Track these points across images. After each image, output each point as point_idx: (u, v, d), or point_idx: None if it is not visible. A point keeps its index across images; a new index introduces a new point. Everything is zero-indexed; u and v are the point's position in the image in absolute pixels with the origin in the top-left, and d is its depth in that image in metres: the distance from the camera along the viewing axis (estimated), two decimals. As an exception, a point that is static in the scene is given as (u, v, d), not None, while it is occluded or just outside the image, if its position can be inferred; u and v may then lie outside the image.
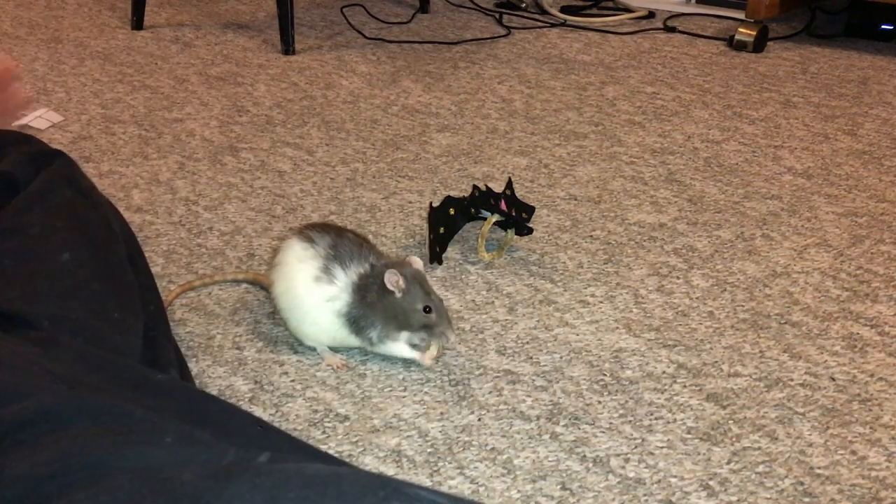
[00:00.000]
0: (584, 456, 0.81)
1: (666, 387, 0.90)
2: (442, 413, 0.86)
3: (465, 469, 0.79)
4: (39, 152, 0.81)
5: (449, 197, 1.14)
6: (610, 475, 0.78)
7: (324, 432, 0.83)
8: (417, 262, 0.94)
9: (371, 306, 0.91)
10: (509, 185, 1.18)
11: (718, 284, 1.09)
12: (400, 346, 0.93)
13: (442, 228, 1.12)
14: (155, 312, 0.78)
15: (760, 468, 0.80)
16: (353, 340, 0.93)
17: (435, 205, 1.12)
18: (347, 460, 0.79)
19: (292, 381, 0.91)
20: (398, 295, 0.90)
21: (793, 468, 0.80)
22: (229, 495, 0.45)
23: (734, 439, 0.83)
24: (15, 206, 0.73)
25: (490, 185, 1.15)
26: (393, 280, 0.89)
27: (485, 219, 1.14)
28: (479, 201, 1.14)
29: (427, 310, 0.90)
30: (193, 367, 0.91)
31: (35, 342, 0.63)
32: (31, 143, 0.83)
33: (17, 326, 0.66)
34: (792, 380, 0.92)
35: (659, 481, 0.78)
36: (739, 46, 2.08)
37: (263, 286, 1.04)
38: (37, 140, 0.85)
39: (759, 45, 2.06)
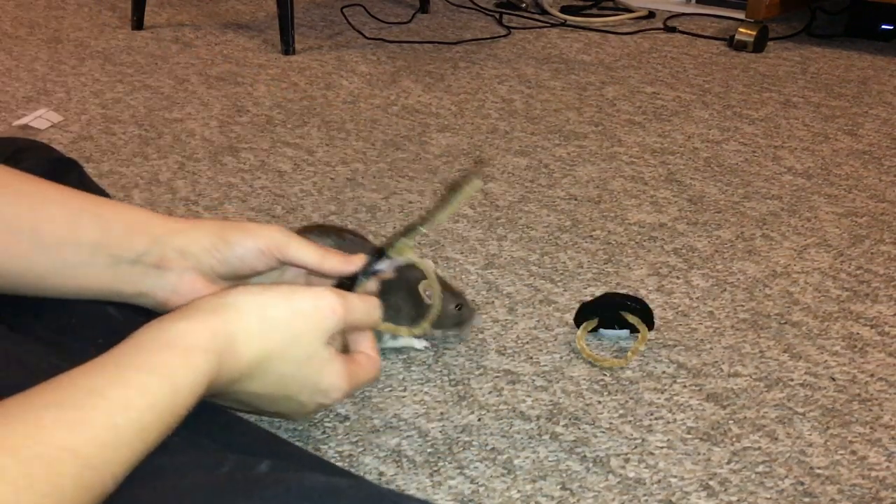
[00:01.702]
0: (584, 456, 0.81)
1: (666, 387, 0.90)
2: (442, 413, 0.86)
3: (465, 469, 0.79)
4: (56, 158, 0.82)
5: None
6: (610, 475, 0.78)
7: (324, 432, 0.83)
8: (429, 264, 0.90)
9: (394, 308, 0.89)
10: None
11: (718, 284, 1.09)
12: (413, 341, 0.95)
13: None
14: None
15: (760, 468, 0.80)
16: None
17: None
18: (347, 460, 0.79)
19: (292, 381, 0.91)
20: (428, 302, 0.89)
21: (793, 468, 0.80)
22: None
23: (734, 439, 0.83)
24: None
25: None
26: (429, 293, 0.88)
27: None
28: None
29: (458, 307, 0.92)
30: (193, 367, 0.91)
31: (45, 342, 0.64)
32: (46, 150, 0.84)
33: (35, 320, 0.66)
34: (792, 380, 0.92)
35: (659, 481, 0.78)
36: (739, 46, 2.08)
37: None
38: (49, 147, 0.86)
39: (759, 45, 2.07)
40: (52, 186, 0.64)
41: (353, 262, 0.68)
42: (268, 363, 0.56)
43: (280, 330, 0.56)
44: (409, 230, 0.72)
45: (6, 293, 0.63)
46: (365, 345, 0.66)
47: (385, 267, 0.70)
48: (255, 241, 0.66)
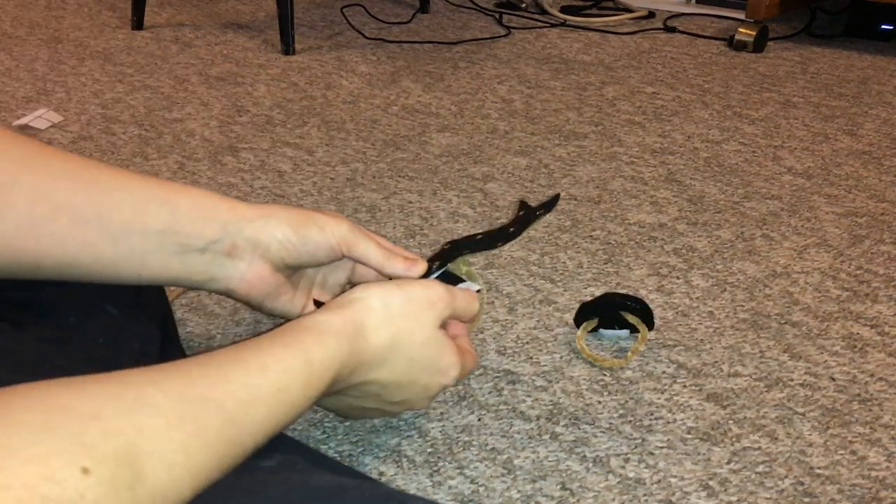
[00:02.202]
0: (584, 456, 0.81)
1: (666, 387, 0.90)
2: (442, 413, 0.86)
3: (465, 469, 0.79)
4: None
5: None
6: (610, 475, 0.78)
7: (324, 432, 0.83)
8: (483, 291, 0.79)
9: None
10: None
11: (718, 284, 1.09)
12: None
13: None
14: (165, 318, 0.79)
15: (760, 468, 0.80)
16: None
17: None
18: (348, 460, 0.80)
19: (292, 381, 0.91)
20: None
21: (793, 468, 0.80)
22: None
23: (734, 439, 0.83)
24: None
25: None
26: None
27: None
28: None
29: None
30: (193, 367, 0.91)
31: (49, 340, 0.64)
32: None
33: (36, 318, 0.66)
34: (792, 380, 0.92)
35: (659, 481, 0.78)
36: (739, 46, 2.08)
37: None
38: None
39: (759, 45, 2.07)
40: (118, 172, 0.64)
41: (415, 269, 0.71)
42: (396, 348, 0.63)
43: (402, 316, 0.63)
44: (469, 246, 0.75)
45: (79, 281, 0.64)
46: (463, 338, 0.72)
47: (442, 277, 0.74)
48: (327, 238, 0.69)
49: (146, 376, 0.46)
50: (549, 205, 0.78)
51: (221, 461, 0.46)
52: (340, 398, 0.66)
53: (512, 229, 0.77)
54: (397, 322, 0.62)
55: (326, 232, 0.68)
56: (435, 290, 0.66)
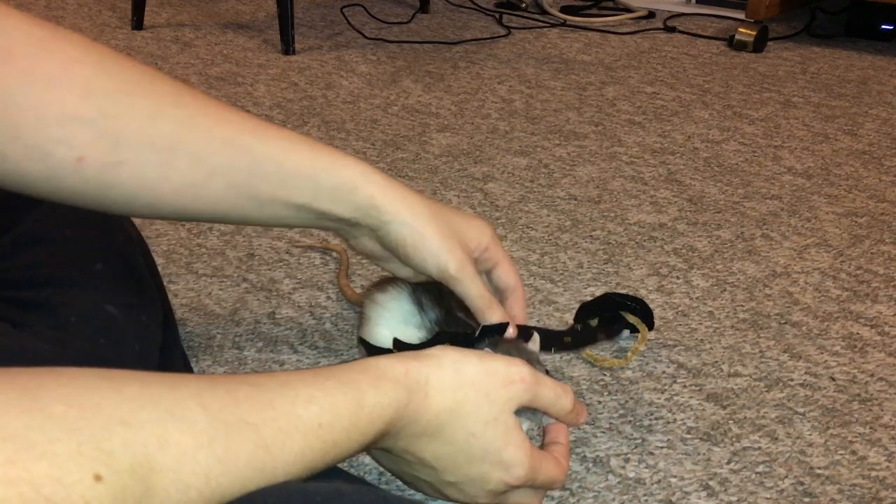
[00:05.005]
0: (584, 456, 0.81)
1: (666, 387, 0.90)
2: (442, 413, 0.86)
3: (465, 469, 0.79)
4: None
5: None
6: (610, 475, 0.78)
7: (324, 432, 0.83)
8: (535, 341, 0.74)
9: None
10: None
11: (718, 284, 1.09)
12: None
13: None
14: (165, 318, 0.79)
15: (760, 468, 0.80)
16: None
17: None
18: (347, 460, 0.79)
19: (292, 381, 0.90)
20: None
21: (793, 468, 0.80)
22: None
23: (734, 439, 0.83)
24: (43, 212, 0.74)
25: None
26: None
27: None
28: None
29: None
30: (194, 366, 0.91)
31: (49, 340, 0.64)
32: None
33: (36, 318, 0.66)
34: (792, 380, 0.92)
35: (659, 481, 0.78)
36: (739, 46, 2.08)
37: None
38: None
39: (759, 45, 2.07)
40: (270, 138, 0.67)
41: (495, 316, 0.71)
42: (458, 418, 0.57)
43: (472, 385, 0.58)
44: (547, 335, 0.74)
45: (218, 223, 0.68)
46: (559, 447, 0.67)
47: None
48: (429, 269, 0.70)
49: (192, 387, 0.45)
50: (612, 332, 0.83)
51: (245, 486, 0.44)
52: (395, 459, 0.61)
53: (568, 339, 0.80)
54: (466, 390, 0.57)
55: (437, 263, 0.69)
56: (517, 368, 0.60)
